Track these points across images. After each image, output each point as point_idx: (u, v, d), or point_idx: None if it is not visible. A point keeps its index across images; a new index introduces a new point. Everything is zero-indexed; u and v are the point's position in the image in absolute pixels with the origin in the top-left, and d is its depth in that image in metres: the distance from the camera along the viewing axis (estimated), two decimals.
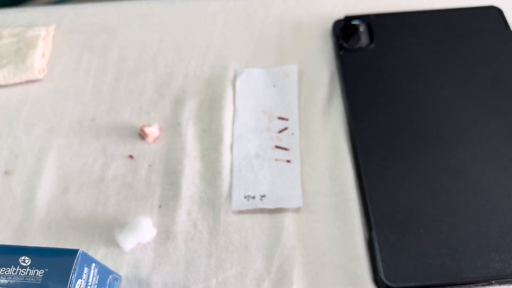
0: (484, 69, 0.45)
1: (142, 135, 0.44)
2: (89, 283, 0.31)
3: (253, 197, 0.41)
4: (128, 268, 0.38)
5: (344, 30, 0.49)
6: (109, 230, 0.40)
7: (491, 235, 0.37)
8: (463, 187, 0.39)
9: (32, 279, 0.28)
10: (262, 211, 0.40)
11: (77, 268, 0.29)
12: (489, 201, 0.38)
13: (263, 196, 0.41)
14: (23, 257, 0.29)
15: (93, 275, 0.32)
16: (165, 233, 0.40)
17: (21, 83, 0.49)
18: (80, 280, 0.30)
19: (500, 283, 0.35)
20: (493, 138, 0.41)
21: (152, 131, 0.44)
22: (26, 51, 0.49)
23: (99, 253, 0.39)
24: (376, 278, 0.36)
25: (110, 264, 0.38)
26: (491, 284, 0.35)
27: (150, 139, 0.44)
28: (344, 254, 0.37)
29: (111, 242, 0.39)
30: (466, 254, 0.36)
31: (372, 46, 0.47)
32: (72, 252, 0.30)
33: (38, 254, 0.29)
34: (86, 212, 0.41)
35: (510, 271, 0.35)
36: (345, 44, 0.48)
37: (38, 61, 0.49)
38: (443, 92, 0.44)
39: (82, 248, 0.39)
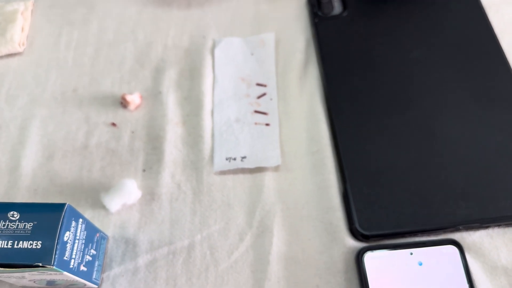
0: (451, 33, 0.47)
1: (123, 104, 0.45)
2: (77, 237, 0.32)
3: (234, 159, 0.42)
4: (114, 228, 0.40)
5: None
6: (95, 194, 0.41)
7: (458, 185, 0.39)
8: (431, 142, 0.41)
9: (21, 232, 0.30)
10: (243, 171, 0.42)
11: (65, 221, 0.31)
12: (456, 154, 0.40)
13: (243, 157, 0.42)
14: (11, 212, 0.30)
15: (80, 230, 0.33)
16: (150, 195, 0.41)
17: (1, 57, 0.49)
18: (68, 232, 0.31)
19: (467, 229, 0.38)
20: (459, 96, 0.43)
21: (134, 99, 0.45)
22: (5, 25, 0.49)
23: (86, 216, 0.40)
24: (351, 227, 0.38)
25: (97, 225, 0.39)
26: (458, 229, 0.38)
27: (131, 107, 0.45)
28: (321, 206, 0.39)
29: (97, 204, 0.41)
30: (435, 203, 0.38)
31: (345, 13, 0.49)
32: (60, 206, 0.31)
33: (27, 209, 0.31)
34: (71, 177, 0.42)
35: (475, 217, 0.38)
36: (319, 12, 0.49)
37: (17, 35, 0.49)
38: (412, 55, 0.46)
39: None
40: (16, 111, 0.46)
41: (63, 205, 0.31)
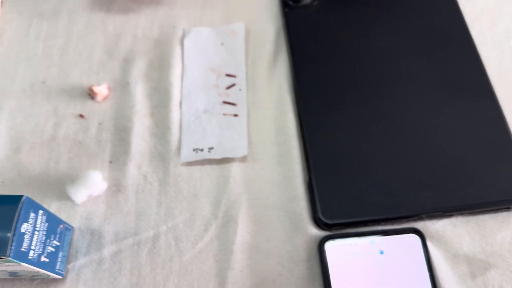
0: (421, 21, 0.47)
1: (91, 95, 0.45)
2: (37, 228, 0.32)
3: (202, 150, 0.42)
4: (80, 219, 0.40)
5: None
6: (62, 186, 0.41)
7: (422, 174, 0.39)
8: (395, 132, 0.41)
9: None
10: (210, 162, 0.42)
11: (22, 212, 0.31)
12: (420, 144, 0.41)
13: (211, 148, 0.42)
14: None
15: (41, 221, 0.33)
16: (116, 186, 0.41)
17: None
18: (26, 224, 0.31)
19: (430, 217, 0.38)
20: (426, 85, 0.43)
21: (101, 90, 0.45)
22: None
23: (52, 207, 0.40)
24: (314, 217, 0.38)
25: (63, 217, 0.40)
26: (421, 218, 0.38)
27: (99, 98, 0.45)
28: (286, 196, 0.40)
29: (64, 196, 0.41)
30: (399, 191, 0.39)
31: (315, 3, 0.49)
32: (17, 198, 0.31)
33: None
34: (39, 169, 0.42)
35: (438, 206, 0.38)
36: (290, 2, 0.49)
37: None
38: (381, 44, 0.46)
39: None
40: None
41: (20, 196, 0.31)
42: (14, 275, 0.36)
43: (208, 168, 0.42)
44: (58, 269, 0.36)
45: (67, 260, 0.38)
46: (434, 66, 0.44)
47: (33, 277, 0.37)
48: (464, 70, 0.44)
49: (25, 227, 0.31)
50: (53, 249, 0.35)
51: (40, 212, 0.33)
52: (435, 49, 0.45)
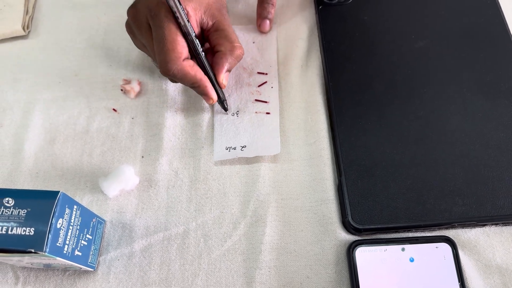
0: (460, 22, 0.46)
1: (124, 91, 0.45)
2: (71, 223, 0.33)
3: (234, 148, 0.42)
4: (112, 213, 0.40)
5: None
6: (94, 179, 0.42)
7: (456, 181, 0.38)
8: (430, 136, 0.40)
9: (15, 218, 0.30)
10: (240, 161, 0.42)
11: (58, 208, 0.31)
12: (455, 149, 0.40)
13: (243, 146, 0.42)
14: (6, 199, 0.31)
15: (75, 216, 0.34)
16: (148, 181, 0.41)
17: (5, 40, 0.50)
18: (61, 219, 0.32)
19: (462, 226, 0.38)
20: (463, 89, 0.42)
21: (133, 87, 0.45)
22: (9, 8, 0.50)
23: (85, 200, 0.41)
24: (344, 220, 0.38)
25: (95, 210, 0.40)
26: (454, 226, 0.37)
27: (131, 95, 0.45)
28: (315, 198, 0.39)
29: (96, 189, 0.41)
30: (431, 198, 0.38)
31: (350, 0, 0.48)
32: (53, 194, 0.32)
33: (21, 195, 0.31)
34: (72, 162, 0.43)
35: (472, 215, 0.37)
36: None
37: (22, 18, 0.49)
38: (417, 45, 0.45)
39: (68, 195, 0.41)
40: (20, 94, 0.47)
41: (56, 192, 0.32)
42: (48, 266, 0.37)
43: (237, 167, 0.42)
44: (90, 262, 0.37)
45: (98, 253, 0.38)
46: (472, 69, 0.43)
47: (65, 269, 0.38)
48: (503, 73, 0.43)
49: (60, 223, 0.32)
50: (85, 243, 0.36)
51: (75, 207, 0.34)
52: (473, 51, 0.44)
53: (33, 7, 0.51)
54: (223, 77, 0.41)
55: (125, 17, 0.50)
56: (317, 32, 0.47)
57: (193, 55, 0.40)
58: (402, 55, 0.44)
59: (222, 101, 0.43)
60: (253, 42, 0.47)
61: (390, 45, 0.45)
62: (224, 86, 0.41)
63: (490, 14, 0.46)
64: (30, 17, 0.51)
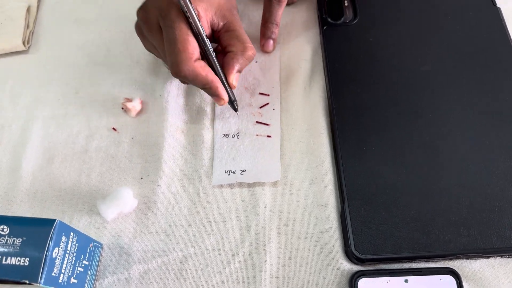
0: (464, 46, 0.45)
1: (125, 109, 0.45)
2: (68, 251, 0.32)
3: (234, 172, 0.42)
4: (110, 236, 0.40)
5: (329, 5, 0.48)
6: (92, 200, 0.41)
7: (461, 211, 0.38)
8: (436, 164, 0.39)
9: (10, 247, 0.30)
10: (240, 184, 0.41)
11: (54, 237, 0.30)
12: (461, 177, 0.39)
13: (243, 170, 0.42)
14: (1, 226, 0.30)
15: (71, 243, 0.33)
16: (146, 204, 0.41)
17: (5, 54, 0.49)
18: (57, 248, 0.31)
19: (468, 257, 0.37)
20: (469, 115, 0.41)
21: (134, 106, 0.44)
22: (10, 22, 0.49)
23: (82, 222, 0.40)
24: (346, 250, 0.37)
25: (92, 233, 0.40)
26: (458, 258, 0.37)
27: (133, 113, 0.44)
28: (317, 225, 0.39)
29: (94, 211, 0.41)
30: (436, 228, 0.37)
31: (356, 21, 0.47)
32: (49, 222, 0.31)
33: (17, 223, 0.31)
34: (70, 182, 0.42)
35: (477, 246, 0.36)
36: (329, 19, 0.47)
37: (22, 32, 0.49)
38: (423, 68, 0.44)
39: (66, 217, 0.41)
40: (19, 110, 0.46)
41: (52, 221, 0.31)
42: None
43: (238, 190, 0.41)
44: None
45: (95, 278, 0.38)
46: (480, 94, 0.42)
47: None
48: (510, 100, 0.42)
49: (56, 252, 0.31)
50: (82, 269, 0.35)
51: (71, 234, 0.33)
52: (481, 76, 0.43)
53: (34, 22, 0.51)
54: (233, 78, 0.40)
55: (128, 33, 0.50)
56: (321, 53, 0.47)
57: (204, 55, 0.39)
58: (408, 78, 0.43)
59: (232, 102, 0.43)
60: (256, 62, 0.47)
61: (395, 68, 0.44)
62: (235, 86, 0.41)
63: (498, 38, 0.45)
64: (30, 31, 0.50)
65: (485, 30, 0.46)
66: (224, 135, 0.43)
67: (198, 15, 0.38)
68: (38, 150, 0.44)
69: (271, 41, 0.46)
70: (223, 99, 0.40)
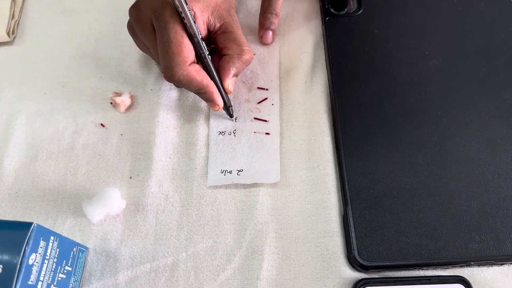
0: (476, 39, 0.42)
1: (113, 104, 0.42)
2: (47, 257, 0.30)
3: (230, 172, 0.39)
4: (96, 240, 0.37)
5: None
6: (78, 201, 0.39)
7: (472, 215, 0.35)
8: (445, 164, 0.37)
9: None
10: (236, 184, 0.39)
11: (30, 242, 0.28)
12: (472, 179, 0.36)
13: (240, 170, 0.39)
14: None
15: (52, 248, 0.30)
16: (135, 205, 0.38)
17: None
18: (34, 254, 0.28)
19: (479, 265, 0.34)
20: (480, 114, 0.39)
21: (124, 100, 0.42)
22: None
23: (67, 224, 0.38)
24: (349, 256, 0.34)
25: (77, 236, 0.37)
26: (469, 265, 0.34)
27: (122, 108, 0.42)
28: (317, 229, 0.36)
29: (80, 213, 0.38)
30: (445, 233, 0.35)
31: (360, 11, 0.44)
32: (26, 225, 0.28)
33: None
34: (54, 181, 0.40)
35: (490, 253, 0.34)
36: (332, 10, 0.45)
37: (7, 22, 0.46)
38: (431, 63, 0.41)
39: (49, 218, 0.38)
40: (1, 105, 0.43)
41: (29, 224, 0.28)
42: None
43: (233, 191, 0.38)
44: None
45: (79, 284, 0.35)
46: (492, 91, 0.40)
47: None
48: None
49: (33, 258, 0.28)
50: (64, 276, 0.32)
51: (52, 238, 0.30)
52: (493, 71, 0.41)
53: (20, 11, 0.48)
54: (229, 83, 0.38)
55: (118, 25, 0.47)
56: (323, 45, 0.44)
57: (198, 58, 0.37)
58: (415, 73, 0.41)
59: (227, 107, 0.40)
60: (254, 54, 0.44)
61: (402, 62, 0.42)
62: (230, 92, 0.39)
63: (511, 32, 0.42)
64: (16, 22, 0.47)
65: (497, 22, 0.43)
66: (220, 133, 0.41)
67: (194, 16, 0.36)
68: (22, 147, 0.41)
69: (270, 32, 0.44)
70: (218, 105, 0.38)
